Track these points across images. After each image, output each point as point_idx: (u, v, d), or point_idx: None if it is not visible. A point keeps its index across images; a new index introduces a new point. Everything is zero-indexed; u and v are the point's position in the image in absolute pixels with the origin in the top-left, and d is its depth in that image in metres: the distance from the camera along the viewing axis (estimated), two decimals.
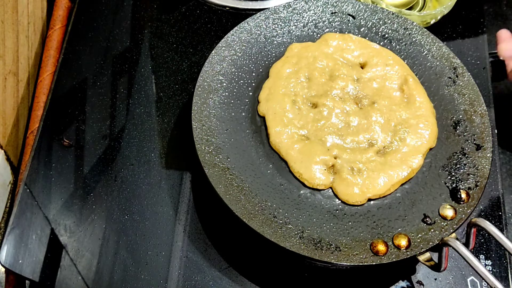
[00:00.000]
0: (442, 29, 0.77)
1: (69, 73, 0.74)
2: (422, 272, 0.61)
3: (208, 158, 0.59)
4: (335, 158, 0.61)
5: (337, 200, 0.59)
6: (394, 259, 0.54)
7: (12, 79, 0.72)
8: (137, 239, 0.62)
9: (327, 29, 0.71)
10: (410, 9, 0.79)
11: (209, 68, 0.66)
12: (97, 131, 0.69)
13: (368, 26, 0.71)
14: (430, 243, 0.55)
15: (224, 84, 0.65)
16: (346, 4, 0.72)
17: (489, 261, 0.61)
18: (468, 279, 0.60)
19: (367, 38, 0.70)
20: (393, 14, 0.71)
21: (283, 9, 0.71)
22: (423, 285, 0.60)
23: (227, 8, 0.79)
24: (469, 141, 0.62)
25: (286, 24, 0.71)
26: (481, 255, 0.61)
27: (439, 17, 0.75)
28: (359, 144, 0.62)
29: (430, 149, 0.62)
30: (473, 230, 0.53)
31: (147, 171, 0.66)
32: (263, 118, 0.64)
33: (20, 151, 0.74)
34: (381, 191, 0.59)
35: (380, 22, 0.71)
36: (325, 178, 0.60)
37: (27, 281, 0.63)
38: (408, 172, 0.60)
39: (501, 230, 0.63)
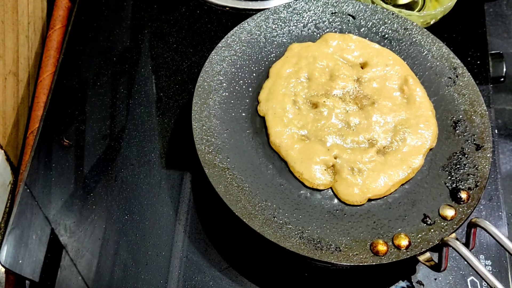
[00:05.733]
0: (442, 29, 0.77)
1: (69, 73, 0.74)
2: (422, 272, 0.61)
3: (208, 158, 0.59)
4: (335, 158, 0.61)
5: (337, 200, 0.59)
6: (394, 259, 0.54)
7: (12, 79, 0.72)
8: (137, 239, 0.62)
9: (327, 29, 0.71)
10: (410, 9, 0.79)
11: (209, 68, 0.66)
12: (97, 131, 0.69)
13: (368, 26, 0.71)
14: (430, 243, 0.55)
15: (224, 84, 0.65)
16: (346, 4, 0.72)
17: (489, 261, 0.61)
18: (468, 279, 0.60)
19: (367, 38, 0.70)
20: (393, 14, 0.71)
21: (283, 9, 0.71)
22: (423, 285, 0.60)
23: (227, 8, 0.79)
24: (469, 141, 0.62)
25: (286, 24, 0.71)
26: (481, 255, 0.61)
27: (439, 17, 0.75)
28: (359, 144, 0.62)
29: (430, 149, 0.62)
30: (473, 230, 0.53)
31: (147, 171, 0.66)
32: (263, 118, 0.64)
33: (20, 151, 0.74)
34: (381, 191, 0.59)
35: (380, 22, 0.71)
36: (325, 178, 0.60)
37: (27, 281, 0.63)
38: (408, 172, 0.60)
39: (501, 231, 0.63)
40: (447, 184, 0.60)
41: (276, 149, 0.62)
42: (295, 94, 0.65)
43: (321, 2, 0.72)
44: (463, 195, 0.58)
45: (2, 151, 0.69)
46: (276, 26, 0.70)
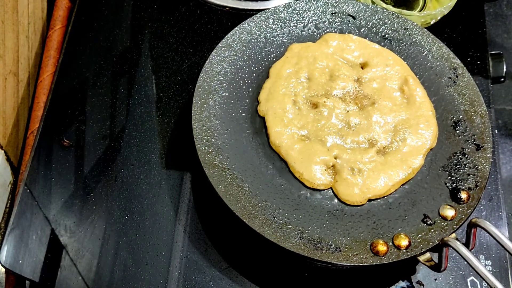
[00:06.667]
0: (442, 29, 0.77)
1: (69, 73, 0.74)
2: (422, 272, 0.61)
3: (208, 158, 0.59)
4: (335, 158, 0.61)
5: (337, 200, 0.59)
6: (394, 260, 0.54)
7: (12, 80, 0.72)
8: (137, 239, 0.62)
9: (327, 30, 0.71)
10: (410, 9, 0.79)
11: (209, 68, 0.66)
12: (97, 132, 0.69)
13: (368, 26, 0.71)
14: (430, 243, 0.55)
15: (224, 84, 0.65)
16: (346, 4, 0.72)
17: (489, 261, 0.61)
18: (468, 279, 0.60)
19: (367, 39, 0.70)
20: (393, 14, 0.71)
21: (283, 10, 0.71)
22: (423, 285, 0.60)
23: (227, 8, 0.79)
24: (469, 141, 0.62)
25: (286, 25, 0.71)
26: (481, 255, 0.61)
27: (439, 17, 0.75)
28: (359, 144, 0.62)
29: (430, 149, 0.62)
30: (473, 230, 0.53)
31: (147, 172, 0.66)
32: (263, 119, 0.64)
33: (20, 151, 0.74)
34: (381, 192, 0.59)
35: (380, 23, 0.71)
36: (325, 178, 0.60)
37: (27, 281, 0.63)
38: (408, 172, 0.60)
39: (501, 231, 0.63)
40: (447, 184, 0.60)
41: (276, 149, 0.62)
42: (295, 94, 0.65)
43: (321, 2, 0.72)
44: (463, 195, 0.58)
45: (2, 151, 0.69)
46: (276, 26, 0.70)
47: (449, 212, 0.57)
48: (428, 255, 0.56)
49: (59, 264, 0.60)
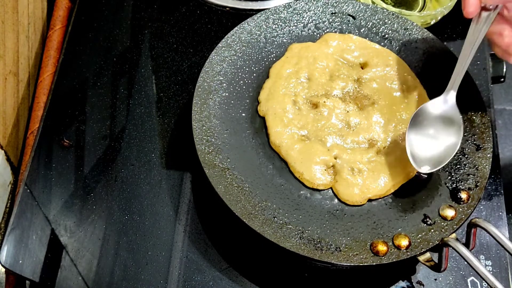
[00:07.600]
0: (442, 29, 0.77)
1: (69, 73, 0.74)
2: (422, 272, 0.61)
3: (208, 158, 0.59)
4: (335, 158, 0.61)
5: (337, 200, 0.59)
6: (394, 260, 0.54)
7: (12, 80, 0.72)
8: (137, 239, 0.62)
9: (327, 29, 0.71)
10: (410, 9, 0.79)
11: (209, 68, 0.66)
12: (97, 132, 0.69)
13: (368, 26, 0.71)
14: (430, 243, 0.55)
15: (224, 84, 0.65)
16: (346, 4, 0.72)
17: (489, 261, 0.61)
18: (468, 280, 0.60)
19: (367, 39, 0.70)
20: (393, 14, 0.71)
21: (283, 10, 0.71)
22: (423, 285, 0.60)
23: (227, 8, 0.79)
24: (469, 141, 0.62)
25: (286, 25, 0.71)
26: (481, 256, 0.61)
27: (439, 18, 0.75)
28: (359, 144, 0.62)
29: None
30: (473, 230, 0.53)
31: (147, 172, 0.66)
32: (263, 119, 0.64)
33: (20, 151, 0.74)
34: (381, 192, 0.59)
35: (380, 23, 0.71)
36: (325, 178, 0.60)
37: (27, 281, 0.63)
38: (408, 172, 0.60)
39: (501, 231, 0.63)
40: (447, 184, 0.60)
41: (276, 149, 0.62)
42: (295, 94, 0.65)
43: (321, 2, 0.72)
44: (463, 195, 0.58)
45: (2, 151, 0.69)
46: (276, 26, 0.70)
47: (449, 212, 0.57)
48: (428, 255, 0.56)
49: (59, 264, 0.60)
